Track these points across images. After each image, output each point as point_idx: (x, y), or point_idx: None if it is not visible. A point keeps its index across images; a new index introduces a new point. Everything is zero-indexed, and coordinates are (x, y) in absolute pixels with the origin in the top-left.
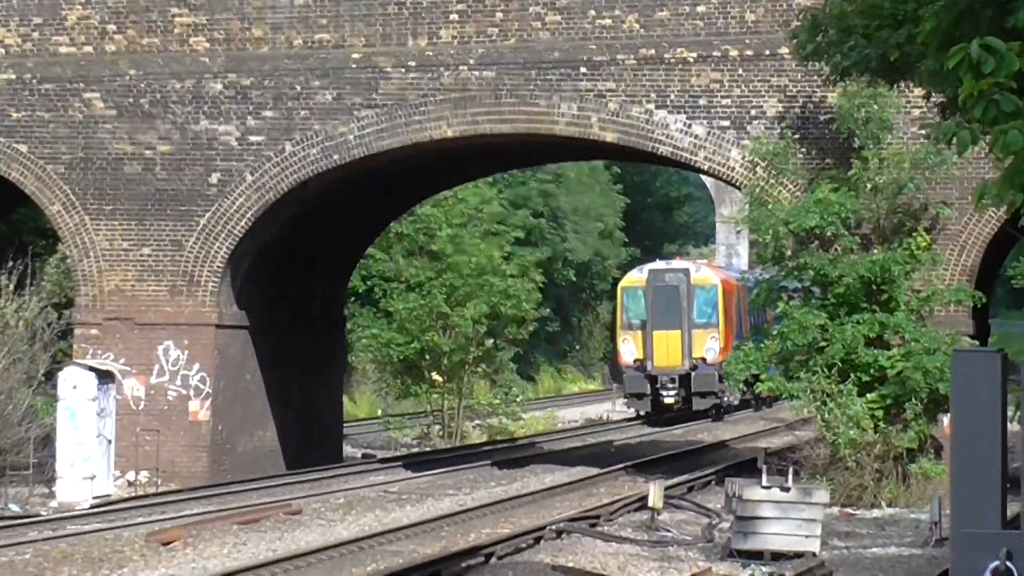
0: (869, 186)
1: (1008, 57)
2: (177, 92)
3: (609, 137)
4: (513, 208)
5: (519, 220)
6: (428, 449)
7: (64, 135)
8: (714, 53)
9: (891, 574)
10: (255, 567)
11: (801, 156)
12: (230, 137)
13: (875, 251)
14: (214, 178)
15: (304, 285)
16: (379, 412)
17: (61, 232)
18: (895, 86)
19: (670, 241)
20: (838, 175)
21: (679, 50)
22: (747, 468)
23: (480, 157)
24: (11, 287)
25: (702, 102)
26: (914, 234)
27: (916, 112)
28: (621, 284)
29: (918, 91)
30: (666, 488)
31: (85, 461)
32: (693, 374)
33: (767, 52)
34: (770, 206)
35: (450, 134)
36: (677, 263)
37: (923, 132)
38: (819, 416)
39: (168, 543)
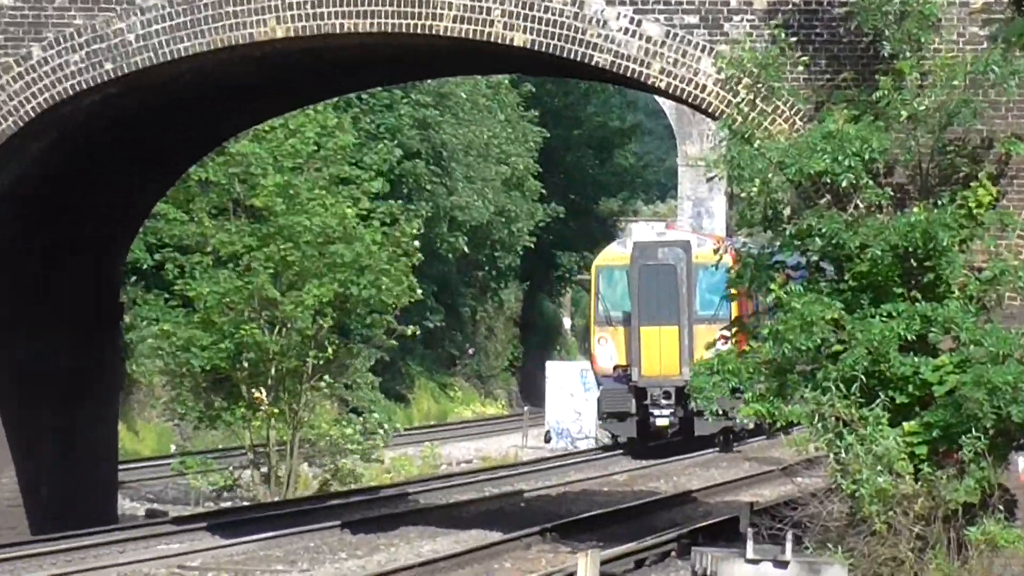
0: (905, 113)
1: None
2: None
3: (518, 39)
4: (373, 142)
5: (382, 160)
6: (246, 504)
7: None
8: None
9: None
10: None
11: (804, 69)
12: None
13: (915, 209)
14: None
15: (59, 258)
16: (172, 448)
17: None
18: None
19: (609, 194)
20: (859, 97)
21: None
22: (725, 532)
23: (325, 70)
24: None
25: None
26: (973, 184)
27: (976, 4)
28: (596, 262)
29: None
30: (604, 562)
31: None
32: None
33: None
34: (758, 143)
35: (280, 34)
36: (674, 233)
37: (986, 32)
38: (832, 455)
39: None
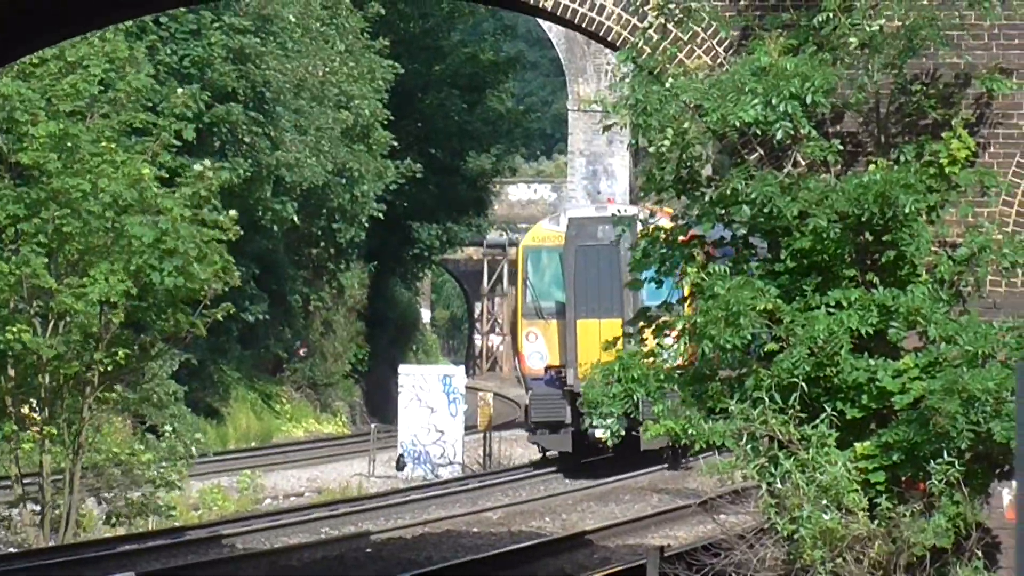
0: (856, 40)
1: None
2: None
3: None
4: (178, 83)
5: (184, 104)
6: (12, 551)
7: None
8: None
9: None
10: None
11: None
12: None
13: (870, 167)
14: None
15: None
16: None
17: None
18: None
19: (480, 147)
20: (799, 22)
21: None
22: None
23: None
24: None
25: None
26: (945, 134)
27: None
28: (523, 243)
29: None
30: None
31: None
32: None
33: None
34: (670, 82)
35: None
36: (614, 207)
37: None
38: (764, 486)
39: None
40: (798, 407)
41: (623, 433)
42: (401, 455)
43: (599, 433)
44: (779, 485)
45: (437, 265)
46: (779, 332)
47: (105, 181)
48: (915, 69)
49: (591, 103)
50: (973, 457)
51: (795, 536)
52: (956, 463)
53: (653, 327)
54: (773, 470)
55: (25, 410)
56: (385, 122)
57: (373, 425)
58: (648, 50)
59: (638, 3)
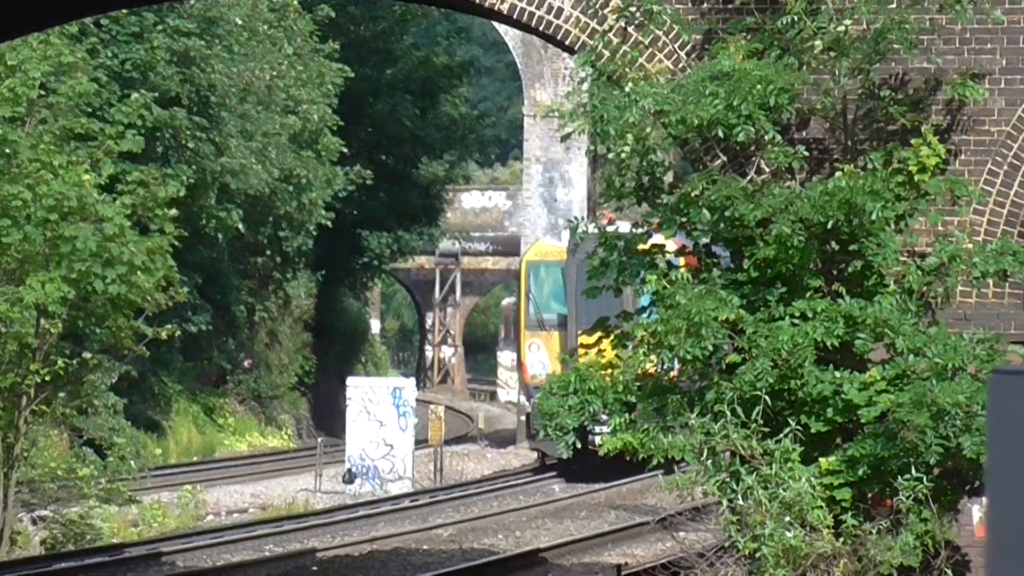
0: (821, 44)
1: None
2: None
3: None
4: (120, 87)
5: (132, 111)
6: None
7: None
8: None
9: None
10: None
11: None
12: None
13: (836, 174)
14: None
15: None
16: None
17: None
18: None
19: (432, 154)
20: (763, 25)
21: None
22: None
23: None
24: None
25: None
26: (914, 141)
27: None
28: (526, 257)
29: None
30: None
31: None
32: None
33: None
34: (630, 87)
35: None
36: (618, 225)
37: None
38: (725, 502)
39: None
40: (761, 421)
41: (579, 446)
42: (349, 469)
43: (598, 440)
44: (741, 501)
45: (387, 274)
46: (742, 343)
47: (44, 188)
48: (883, 73)
49: (548, 111)
50: (942, 473)
51: (757, 554)
52: (924, 479)
53: (611, 337)
54: (735, 486)
55: None
56: (334, 128)
57: (320, 439)
58: (607, 54)
59: (597, 5)
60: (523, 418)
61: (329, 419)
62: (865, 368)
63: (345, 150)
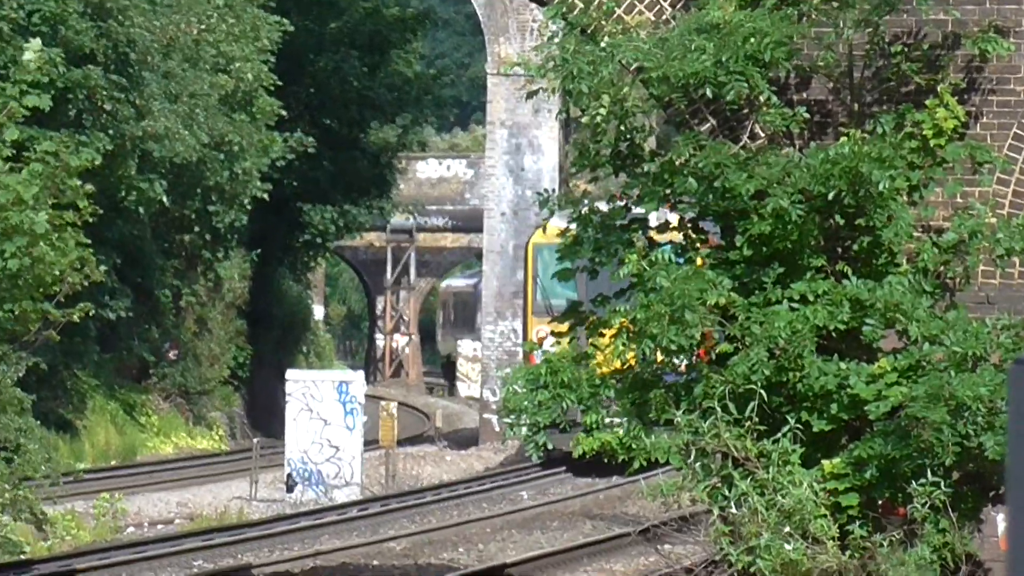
0: None
1: None
2: None
3: None
4: (23, 39)
5: (39, 69)
6: None
7: None
8: None
9: None
10: None
11: None
12: None
13: (841, 139)
14: None
15: None
16: None
17: None
18: None
19: (383, 117)
20: None
21: None
22: None
23: None
24: None
25: None
26: (929, 102)
27: None
28: (532, 240)
29: None
30: None
31: None
32: None
33: None
34: (606, 41)
35: None
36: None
37: None
38: (716, 511)
39: None
40: (756, 418)
41: (550, 447)
42: (289, 474)
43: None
44: (733, 510)
45: (332, 253)
46: (733, 331)
47: None
48: (895, 27)
49: (514, 66)
50: (962, 476)
51: (752, 569)
52: (942, 483)
53: (586, 325)
54: (726, 492)
55: None
56: (271, 88)
57: (256, 440)
58: (581, 5)
59: None
60: None
61: (266, 417)
62: (874, 358)
63: (284, 113)
